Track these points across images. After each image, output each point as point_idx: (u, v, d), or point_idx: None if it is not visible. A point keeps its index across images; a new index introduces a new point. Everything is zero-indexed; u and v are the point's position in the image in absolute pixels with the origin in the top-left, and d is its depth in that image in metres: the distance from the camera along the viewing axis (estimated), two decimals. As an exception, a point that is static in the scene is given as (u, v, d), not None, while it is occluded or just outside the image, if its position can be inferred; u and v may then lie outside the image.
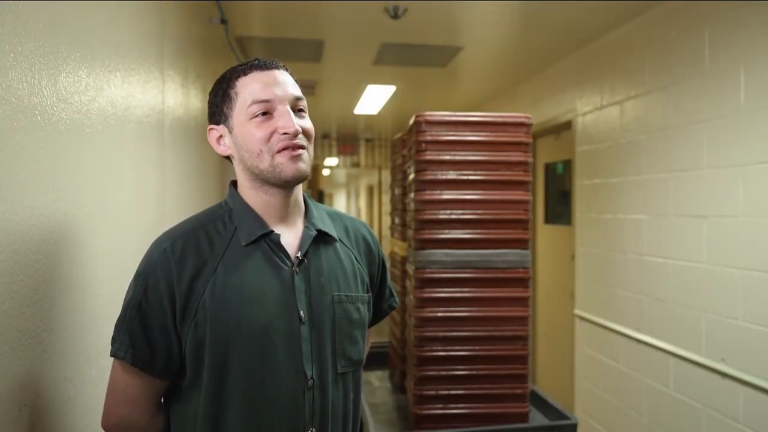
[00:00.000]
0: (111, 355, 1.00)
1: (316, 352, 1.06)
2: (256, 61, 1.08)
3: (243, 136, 1.05)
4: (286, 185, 1.06)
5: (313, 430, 1.05)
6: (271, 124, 1.04)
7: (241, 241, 1.05)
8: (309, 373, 1.04)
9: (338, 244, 1.16)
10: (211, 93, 1.12)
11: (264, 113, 1.04)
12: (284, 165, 1.03)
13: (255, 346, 1.01)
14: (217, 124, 1.10)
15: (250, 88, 1.05)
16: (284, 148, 1.03)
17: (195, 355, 1.00)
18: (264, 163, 1.04)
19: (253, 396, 1.01)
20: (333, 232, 1.15)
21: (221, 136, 1.10)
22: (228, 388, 1.00)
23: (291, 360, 1.03)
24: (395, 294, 1.34)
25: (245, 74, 1.06)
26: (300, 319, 1.05)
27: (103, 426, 1.05)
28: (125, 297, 1.03)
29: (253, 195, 1.08)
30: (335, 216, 1.22)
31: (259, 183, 1.07)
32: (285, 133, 1.03)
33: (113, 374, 1.03)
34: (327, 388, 1.07)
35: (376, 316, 1.29)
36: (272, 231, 1.06)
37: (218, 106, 1.09)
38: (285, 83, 1.07)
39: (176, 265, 1.00)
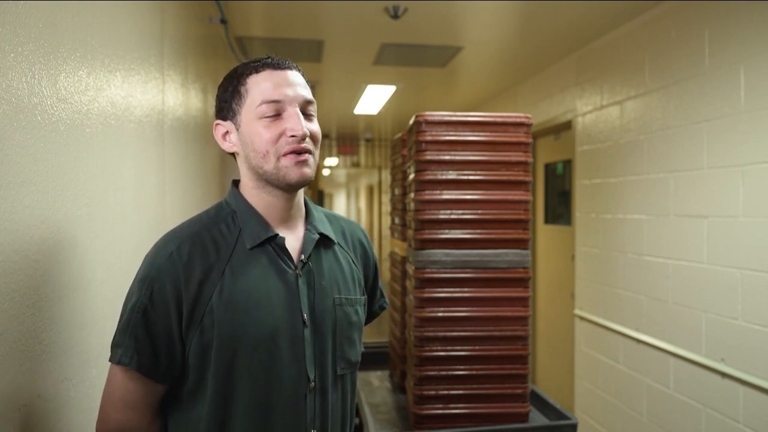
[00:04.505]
0: (115, 361, 0.98)
1: (318, 355, 1.06)
2: (269, 59, 1.06)
3: (250, 135, 1.03)
4: (289, 189, 1.06)
5: None
6: (279, 125, 1.02)
7: (246, 245, 1.04)
8: (311, 376, 1.05)
9: (337, 247, 1.16)
10: (220, 87, 1.09)
11: (273, 114, 1.02)
12: (289, 169, 1.02)
13: (262, 350, 1.00)
14: (224, 120, 1.08)
15: (261, 87, 1.03)
16: (291, 152, 1.02)
17: (200, 360, 1.00)
18: (269, 165, 1.03)
19: (260, 400, 1.01)
20: (333, 236, 1.16)
21: (227, 132, 1.08)
22: (235, 392, 1.00)
23: (294, 363, 1.03)
24: (385, 295, 1.36)
25: (257, 72, 1.04)
26: (303, 322, 1.05)
27: (99, 431, 1.02)
28: (127, 301, 1.01)
29: (255, 195, 1.08)
30: (333, 218, 1.22)
31: (263, 183, 1.06)
32: (293, 136, 1.01)
33: (112, 379, 1.01)
34: (327, 390, 1.07)
35: (368, 317, 1.29)
36: (277, 234, 1.06)
37: (227, 102, 1.07)
38: (297, 84, 1.05)
39: (183, 269, 0.99)
